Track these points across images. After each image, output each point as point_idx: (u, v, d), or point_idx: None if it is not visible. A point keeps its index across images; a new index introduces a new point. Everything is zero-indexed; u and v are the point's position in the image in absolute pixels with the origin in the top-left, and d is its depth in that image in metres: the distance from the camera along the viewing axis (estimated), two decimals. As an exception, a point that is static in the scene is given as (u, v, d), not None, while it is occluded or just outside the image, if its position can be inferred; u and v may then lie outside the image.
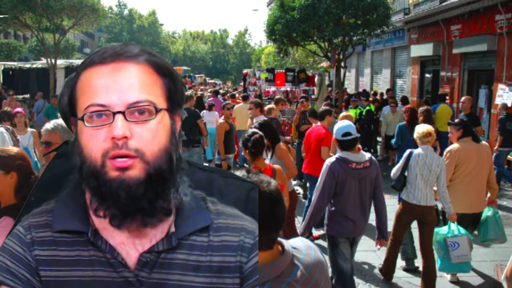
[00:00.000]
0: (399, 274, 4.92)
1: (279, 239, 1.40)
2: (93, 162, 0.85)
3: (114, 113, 0.84)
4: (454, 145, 4.85)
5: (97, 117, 0.85)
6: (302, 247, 1.46)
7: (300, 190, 7.97)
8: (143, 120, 0.86)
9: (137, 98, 0.86)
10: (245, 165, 8.71)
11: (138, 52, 0.89)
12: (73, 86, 0.91)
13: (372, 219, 3.90)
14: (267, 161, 4.07)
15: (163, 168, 0.87)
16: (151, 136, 0.87)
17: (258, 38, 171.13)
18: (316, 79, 16.01)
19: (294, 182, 6.65)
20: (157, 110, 0.88)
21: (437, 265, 4.55)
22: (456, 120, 5.11)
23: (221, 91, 17.14)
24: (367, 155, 3.80)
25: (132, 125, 0.85)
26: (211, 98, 12.52)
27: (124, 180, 0.84)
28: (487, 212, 4.82)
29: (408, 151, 4.56)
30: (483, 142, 5.09)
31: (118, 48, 0.89)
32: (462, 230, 4.45)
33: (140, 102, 0.86)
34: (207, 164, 2.16)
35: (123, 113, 0.85)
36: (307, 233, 3.98)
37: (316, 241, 5.79)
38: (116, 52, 0.88)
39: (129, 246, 0.90)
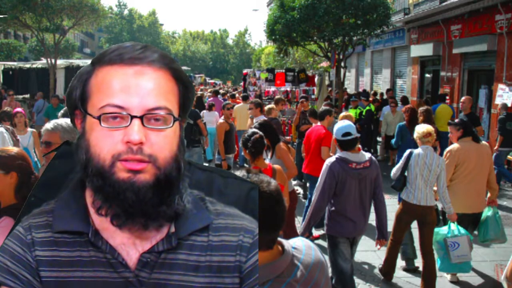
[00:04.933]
0: (399, 274, 4.92)
1: (279, 239, 1.40)
2: (101, 162, 0.84)
3: (132, 117, 0.84)
4: (454, 145, 4.85)
5: (112, 118, 0.84)
6: (302, 247, 1.46)
7: (300, 190, 7.97)
8: (160, 128, 0.86)
9: (156, 105, 0.85)
10: (245, 165, 8.71)
11: (159, 58, 0.88)
12: (87, 80, 0.90)
13: (372, 219, 3.90)
14: (267, 161, 4.07)
15: (172, 174, 0.88)
16: (165, 144, 0.87)
17: (258, 38, 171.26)
18: (316, 79, 16.02)
19: (294, 182, 6.65)
20: (175, 120, 0.88)
21: (437, 265, 4.55)
22: (456, 120, 5.11)
23: (221, 91, 17.14)
24: (367, 155, 3.80)
25: (148, 131, 0.85)
26: (211, 98, 12.52)
27: (135, 182, 0.84)
28: (487, 212, 4.82)
29: (408, 151, 4.56)
30: (483, 142, 5.08)
31: (139, 51, 0.87)
32: (462, 230, 4.45)
33: (159, 109, 0.86)
34: (207, 164, 2.16)
35: (141, 118, 0.84)
36: (307, 233, 3.97)
37: (316, 241, 5.79)
38: (137, 55, 0.87)
39: (129, 246, 0.90)
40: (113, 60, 0.87)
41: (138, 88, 0.85)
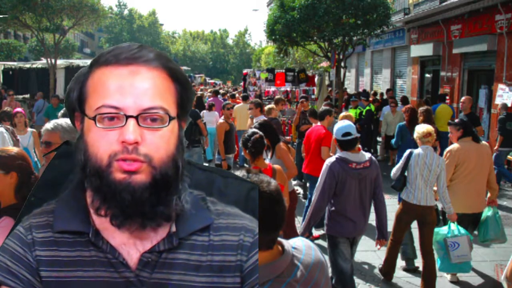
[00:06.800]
0: (399, 274, 4.92)
1: (279, 239, 1.40)
2: (98, 162, 0.85)
3: (127, 117, 0.84)
4: (454, 145, 4.85)
5: (109, 118, 0.85)
6: (302, 247, 1.46)
7: (300, 190, 7.97)
8: (156, 128, 0.86)
9: (151, 104, 0.85)
10: (245, 165, 8.71)
11: (154, 57, 0.88)
12: (84, 82, 0.90)
13: (372, 219, 3.90)
14: (267, 161, 4.07)
15: (169, 174, 0.87)
16: (161, 143, 0.87)
17: (258, 38, 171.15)
18: (316, 79, 16.02)
19: (294, 182, 6.65)
20: (171, 119, 0.88)
21: (437, 265, 4.55)
22: (456, 120, 5.11)
23: (221, 91, 17.15)
24: (367, 155, 3.80)
25: (144, 130, 0.85)
26: (211, 98, 12.52)
27: (130, 183, 0.84)
28: (487, 212, 4.82)
29: (408, 151, 4.56)
30: (483, 142, 5.08)
31: (134, 51, 0.88)
32: (462, 230, 4.45)
33: (154, 108, 0.85)
34: (207, 164, 2.16)
35: (136, 117, 0.84)
36: (307, 233, 3.97)
37: (316, 241, 5.79)
38: (132, 55, 0.87)
39: (130, 246, 0.90)
40: (109, 60, 0.87)
41: (133, 88, 0.85)
